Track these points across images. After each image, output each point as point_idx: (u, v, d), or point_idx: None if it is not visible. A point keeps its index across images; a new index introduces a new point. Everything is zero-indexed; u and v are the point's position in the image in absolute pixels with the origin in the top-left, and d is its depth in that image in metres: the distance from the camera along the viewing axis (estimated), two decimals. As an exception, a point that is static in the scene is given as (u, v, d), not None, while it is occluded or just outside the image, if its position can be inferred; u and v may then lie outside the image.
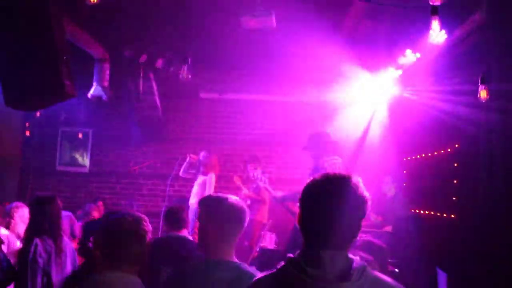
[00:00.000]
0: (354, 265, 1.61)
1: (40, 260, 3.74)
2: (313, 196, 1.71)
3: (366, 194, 1.71)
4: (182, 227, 3.94)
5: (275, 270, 1.70)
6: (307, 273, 1.57)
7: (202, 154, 7.42)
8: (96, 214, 6.70)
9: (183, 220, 3.99)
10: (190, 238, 4.01)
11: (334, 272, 1.58)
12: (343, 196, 1.66)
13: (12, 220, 4.69)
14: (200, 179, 7.34)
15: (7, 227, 4.67)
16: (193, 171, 7.52)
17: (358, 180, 1.72)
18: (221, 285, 2.36)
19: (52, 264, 3.79)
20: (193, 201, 7.10)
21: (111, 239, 2.26)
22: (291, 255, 1.68)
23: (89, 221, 6.35)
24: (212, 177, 7.23)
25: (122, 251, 2.24)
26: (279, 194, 5.69)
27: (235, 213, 2.52)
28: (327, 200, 1.66)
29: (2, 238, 3.98)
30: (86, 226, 5.22)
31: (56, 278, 3.80)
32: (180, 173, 7.65)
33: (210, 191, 7.07)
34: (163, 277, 3.47)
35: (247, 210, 2.58)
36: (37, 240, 3.79)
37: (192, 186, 8.45)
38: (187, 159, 7.55)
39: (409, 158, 7.63)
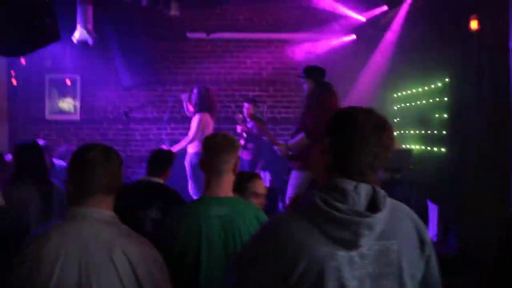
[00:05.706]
0: (379, 192, 1.54)
1: None
2: (344, 124, 1.60)
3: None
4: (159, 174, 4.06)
5: (299, 208, 1.60)
6: (339, 209, 1.48)
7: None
8: None
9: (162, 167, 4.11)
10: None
11: (362, 203, 1.50)
12: (372, 124, 1.58)
13: None
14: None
15: None
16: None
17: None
18: (217, 220, 2.38)
19: None
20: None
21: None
22: (315, 190, 1.57)
23: None
24: (197, 118, 6.41)
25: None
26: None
27: (221, 144, 2.50)
28: (357, 126, 1.56)
29: None
30: None
31: None
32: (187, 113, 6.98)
33: (194, 132, 6.36)
34: (152, 213, 3.59)
35: (237, 141, 2.58)
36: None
37: (184, 129, 8.46)
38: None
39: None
